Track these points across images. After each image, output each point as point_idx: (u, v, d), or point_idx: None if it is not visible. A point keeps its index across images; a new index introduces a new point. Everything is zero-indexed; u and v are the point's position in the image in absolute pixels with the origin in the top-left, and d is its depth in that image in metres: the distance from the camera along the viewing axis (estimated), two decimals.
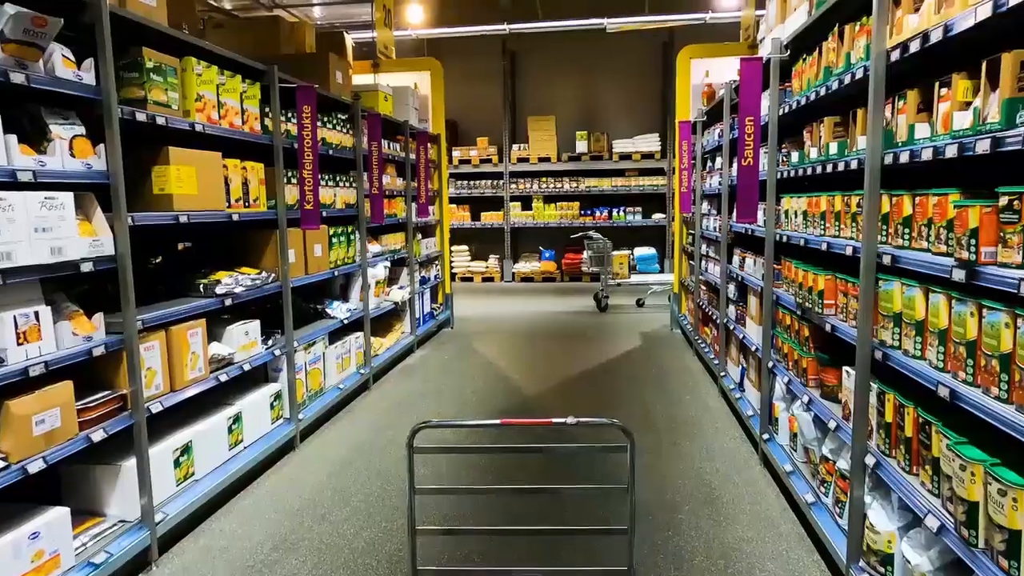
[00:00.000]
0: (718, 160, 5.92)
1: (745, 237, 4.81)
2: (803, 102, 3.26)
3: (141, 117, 2.91)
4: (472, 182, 12.98)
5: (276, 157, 4.10)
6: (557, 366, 6.40)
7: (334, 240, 5.08)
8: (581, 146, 12.52)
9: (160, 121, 3.02)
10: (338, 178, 5.18)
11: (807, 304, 3.16)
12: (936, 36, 1.95)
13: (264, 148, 4.08)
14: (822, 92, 2.97)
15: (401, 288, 6.79)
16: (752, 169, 3.70)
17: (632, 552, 2.39)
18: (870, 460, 2.42)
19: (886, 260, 2.29)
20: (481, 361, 6.68)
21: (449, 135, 12.96)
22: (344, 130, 5.28)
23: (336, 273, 5.10)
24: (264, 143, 4.03)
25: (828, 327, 2.90)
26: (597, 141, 12.54)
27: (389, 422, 4.89)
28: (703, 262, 6.44)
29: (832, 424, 2.80)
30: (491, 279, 12.93)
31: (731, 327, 5.00)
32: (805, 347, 3.29)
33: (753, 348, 4.27)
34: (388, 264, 6.24)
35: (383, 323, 6.61)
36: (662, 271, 12.34)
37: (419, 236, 7.52)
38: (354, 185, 5.46)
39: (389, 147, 6.52)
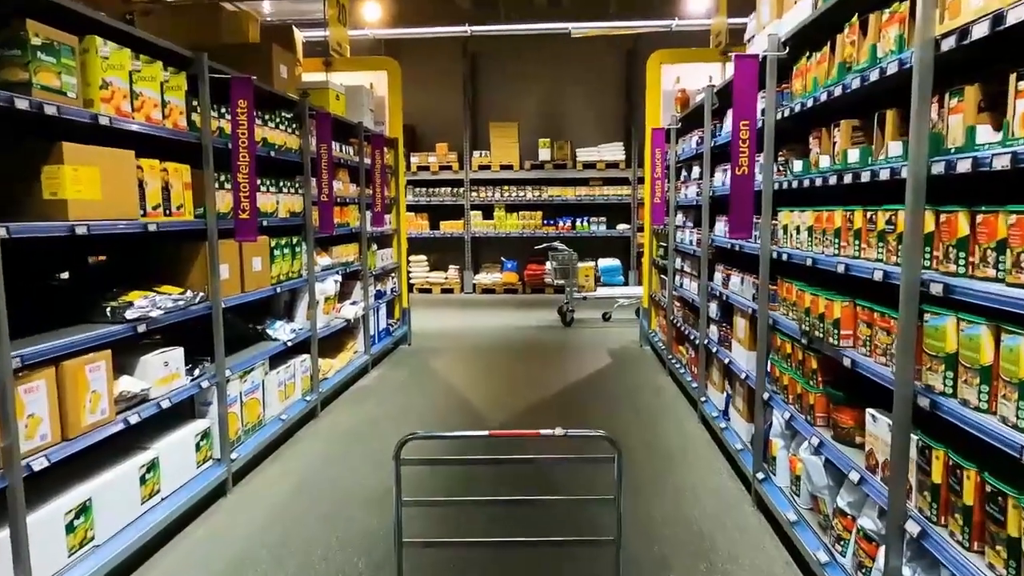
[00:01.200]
0: (695, 169, 5.58)
1: (729, 252, 4.45)
2: (809, 104, 2.89)
3: (23, 105, 2.35)
4: (431, 189, 12.47)
5: (206, 158, 3.55)
6: (522, 387, 5.94)
7: (277, 252, 4.53)
8: (544, 154, 12.14)
9: (50, 110, 2.47)
10: (282, 183, 4.64)
11: (815, 333, 2.77)
12: (1017, 16, 1.57)
13: (191, 148, 3.53)
14: (836, 92, 2.60)
15: (354, 304, 6.24)
16: (747, 179, 3.32)
17: (619, 562, 2.38)
18: (912, 528, 2.03)
19: (935, 290, 1.91)
20: (441, 383, 6.18)
21: (407, 140, 12.44)
22: (289, 130, 4.74)
23: (279, 290, 4.55)
24: (191, 142, 3.48)
25: (846, 362, 2.51)
26: (561, 149, 12.19)
27: (338, 455, 4.35)
28: (677, 277, 6.08)
29: (854, 476, 2.41)
30: (451, 290, 12.42)
31: (713, 349, 4.63)
32: (812, 381, 2.91)
33: (742, 376, 3.90)
34: (339, 278, 5.70)
35: (334, 342, 6.05)
36: (626, 283, 12.03)
37: (374, 247, 6.99)
38: (301, 191, 4.91)
39: (341, 150, 5.99)
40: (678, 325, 5.98)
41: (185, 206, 3.42)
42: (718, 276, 4.68)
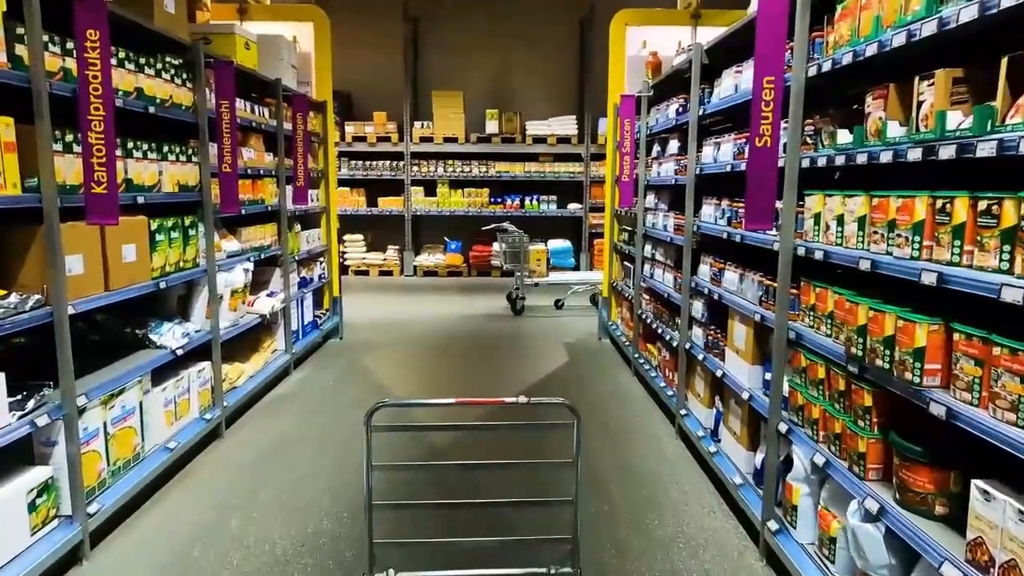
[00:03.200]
0: (672, 144, 4.84)
1: (720, 242, 3.73)
2: (867, 53, 2.15)
3: None
4: (368, 163, 11.41)
5: (39, 109, 2.55)
6: (469, 391, 5.13)
7: (160, 237, 3.56)
8: (491, 126, 11.24)
9: None
10: (168, 149, 3.65)
11: (876, 361, 2.06)
12: None
13: (17, 94, 2.53)
14: (922, 32, 1.86)
15: (271, 295, 5.28)
16: (769, 153, 2.57)
17: (577, 522, 2.46)
18: None
19: None
20: (372, 387, 5.31)
21: (343, 108, 11.35)
22: (179, 81, 3.74)
23: (165, 284, 3.58)
24: (15, 85, 2.49)
25: (937, 410, 1.81)
26: (509, 121, 11.30)
27: (243, 491, 3.47)
28: (647, 266, 5.37)
29: (949, 572, 1.71)
30: (390, 273, 11.45)
31: (698, 356, 3.92)
32: (863, 422, 2.21)
33: (742, 394, 3.20)
34: (251, 266, 4.73)
35: (246, 342, 5.09)
36: (577, 266, 11.35)
37: (297, 227, 6.01)
38: (196, 159, 3.93)
39: (254, 112, 4.98)
40: (647, 321, 5.28)
41: (5, 175, 2.43)
42: (704, 269, 3.96)
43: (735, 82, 3.44)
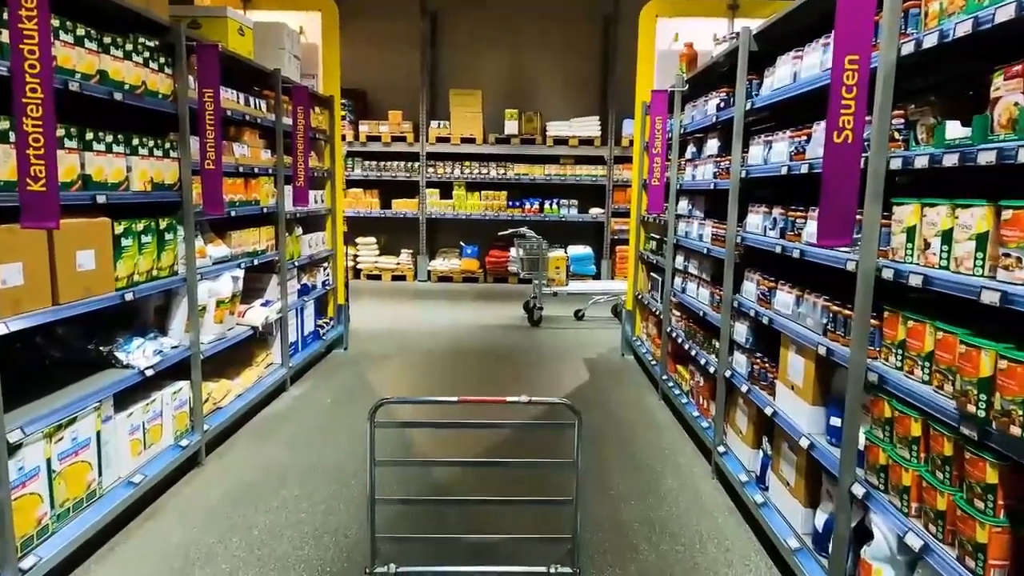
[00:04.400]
0: (710, 144, 4.32)
1: (767, 255, 3.21)
2: (996, 19, 1.64)
3: None
4: (382, 163, 10.99)
5: None
6: (482, 416, 4.63)
7: (128, 242, 3.12)
8: (511, 127, 10.77)
9: None
10: (139, 141, 3.21)
11: (1011, 428, 1.55)
12: None
13: None
14: None
15: (266, 304, 4.85)
16: (852, 150, 2.06)
17: (577, 521, 2.47)
18: None
19: None
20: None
21: (357, 106, 10.96)
22: (154, 66, 3.30)
23: (132, 295, 3.15)
24: None
25: None
26: (529, 122, 10.83)
27: (215, 537, 3.01)
28: (679, 279, 4.85)
29: None
30: (403, 278, 11.02)
31: (741, 387, 3.40)
32: (984, 503, 1.69)
33: (798, 439, 2.67)
34: (240, 273, 4.30)
35: (236, 357, 4.66)
36: (598, 274, 10.83)
37: (298, 231, 5.58)
38: (175, 155, 3.49)
39: (251, 104, 4.55)
40: (678, 339, 4.76)
41: None
42: (749, 287, 3.44)
43: (793, 69, 2.93)
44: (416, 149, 10.85)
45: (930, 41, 1.90)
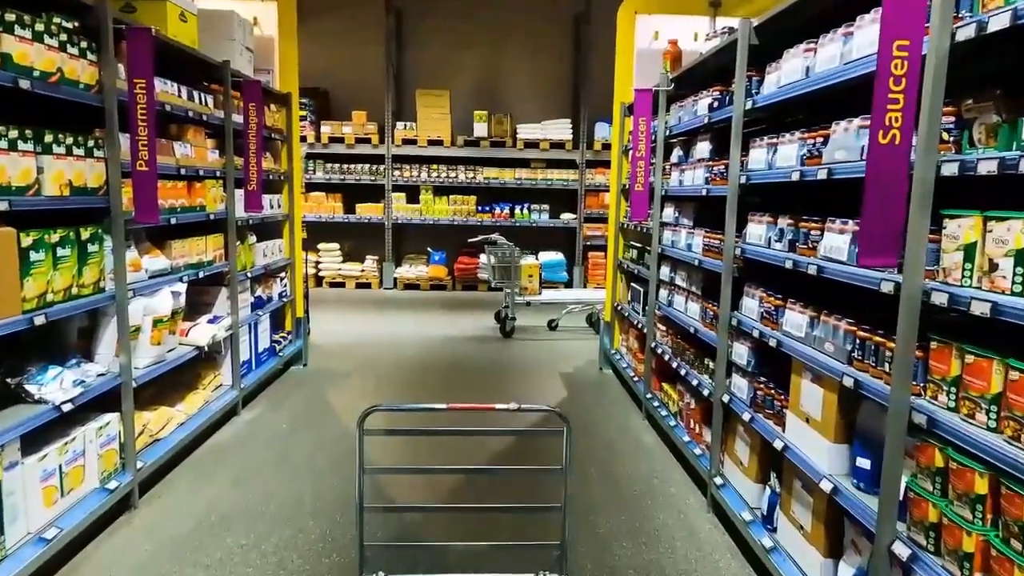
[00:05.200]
0: (700, 146, 4.01)
1: (769, 268, 2.89)
2: None
3: None
4: (346, 166, 10.51)
5: None
6: (449, 441, 4.24)
7: (38, 255, 2.66)
8: (480, 129, 10.40)
9: None
10: (53, 138, 2.75)
11: None
12: None
13: None
14: None
15: (214, 321, 4.38)
16: (899, 153, 1.75)
17: (565, 528, 2.47)
18: None
19: None
20: (337, 430, 4.42)
21: (319, 106, 10.47)
22: (73, 50, 2.85)
23: (44, 318, 2.68)
24: None
25: None
26: (499, 124, 10.47)
27: None
28: (664, 292, 4.53)
29: None
30: (368, 285, 10.55)
31: (740, 414, 3.08)
32: None
33: (820, 482, 2.35)
34: (182, 288, 3.83)
35: (179, 380, 4.20)
36: (570, 281, 10.53)
37: (251, 239, 5.12)
38: (100, 154, 3.04)
39: (196, 99, 4.09)
40: (663, 356, 4.44)
41: None
42: (751, 304, 3.13)
43: (805, 63, 2.62)
44: (381, 151, 10.41)
45: (998, 23, 1.58)
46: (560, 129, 10.46)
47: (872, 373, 2.13)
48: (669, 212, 4.49)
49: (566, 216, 10.72)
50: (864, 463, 2.21)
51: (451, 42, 10.75)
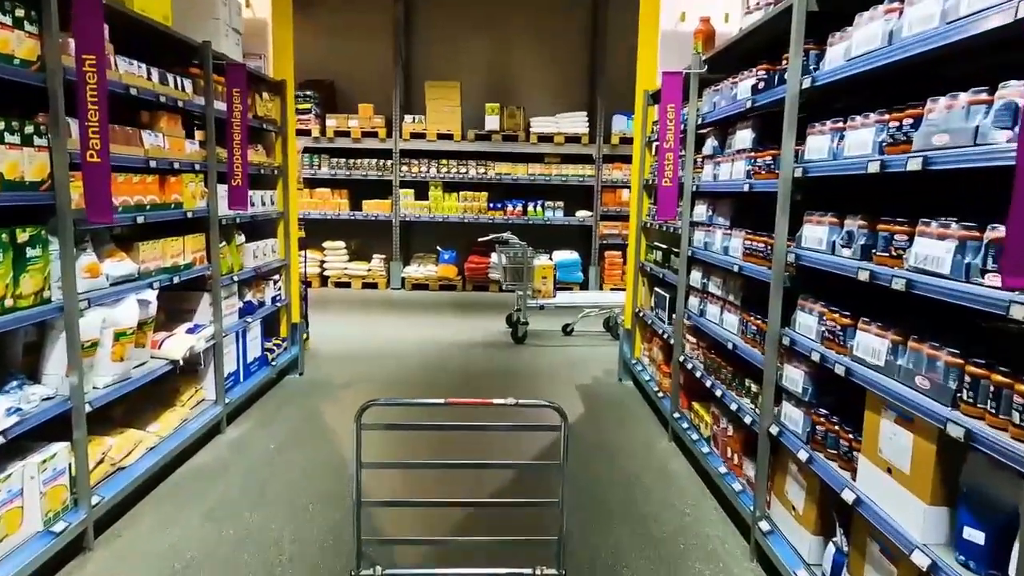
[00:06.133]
0: (741, 135, 3.51)
1: (831, 278, 2.40)
2: None
3: None
4: (352, 161, 10.08)
5: None
6: (456, 457, 3.78)
7: None
8: (491, 123, 9.92)
9: None
10: None
11: None
12: None
13: None
14: None
15: (193, 331, 3.95)
16: None
17: (563, 522, 2.49)
18: None
19: None
20: (331, 452, 3.98)
21: (324, 98, 10.05)
22: (6, 19, 2.41)
23: None
24: None
25: None
26: (511, 117, 9.99)
27: None
28: (694, 299, 4.05)
29: None
30: (374, 285, 10.12)
31: (794, 450, 2.59)
32: None
33: (911, 554, 1.86)
34: (151, 296, 3.40)
35: (154, 395, 3.78)
36: (586, 281, 10.05)
37: (239, 239, 4.68)
38: (43, 142, 2.60)
39: (170, 82, 3.65)
40: (694, 372, 3.95)
41: None
42: (807, 321, 2.63)
43: (886, 28, 2.12)
44: (389, 146, 9.96)
45: None
46: (575, 122, 9.96)
47: (991, 422, 1.64)
48: (701, 210, 3.99)
49: (582, 213, 10.23)
50: (975, 536, 1.72)
51: (461, 31, 10.29)
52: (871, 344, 2.18)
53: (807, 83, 2.61)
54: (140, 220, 3.31)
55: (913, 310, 2.15)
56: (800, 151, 2.70)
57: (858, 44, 2.27)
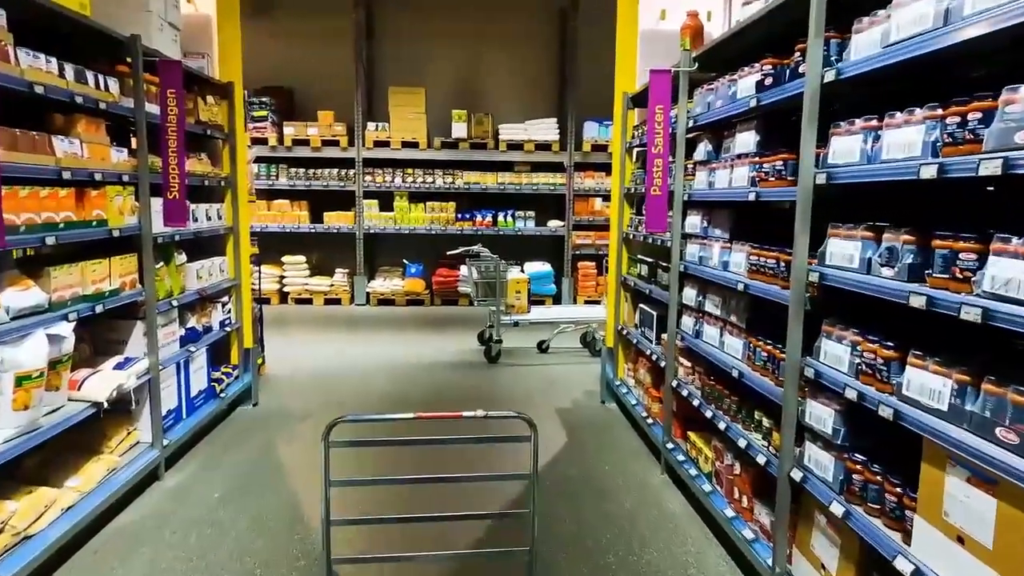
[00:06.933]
0: (742, 137, 3.16)
1: (863, 300, 2.04)
2: None
3: None
4: (312, 171, 9.57)
5: None
6: (426, 503, 3.33)
7: None
8: (459, 130, 9.52)
9: None
10: None
11: None
12: None
13: None
14: None
15: (122, 366, 3.44)
16: None
17: (534, 533, 2.49)
18: None
19: None
20: (286, 504, 3.49)
21: (282, 105, 9.53)
22: None
23: None
24: None
25: None
26: (479, 124, 9.60)
27: None
28: (688, 319, 3.68)
29: None
30: (338, 301, 9.61)
31: (826, 503, 2.22)
32: None
33: None
34: (67, 328, 2.89)
35: (79, 442, 3.26)
36: (559, 293, 9.69)
37: (180, 258, 4.18)
38: None
39: (90, 81, 3.16)
40: (690, 399, 3.58)
41: None
42: (835, 349, 2.27)
43: (935, 8, 1.77)
44: (351, 155, 9.48)
45: None
46: (546, 129, 9.62)
47: None
48: (694, 221, 3.63)
49: (553, 223, 9.87)
50: None
51: (426, 36, 9.88)
52: (926, 382, 1.81)
53: (830, 76, 2.25)
54: (51, 241, 2.81)
55: (959, 339, 1.80)
56: (822, 154, 2.35)
57: (901, 26, 1.92)
